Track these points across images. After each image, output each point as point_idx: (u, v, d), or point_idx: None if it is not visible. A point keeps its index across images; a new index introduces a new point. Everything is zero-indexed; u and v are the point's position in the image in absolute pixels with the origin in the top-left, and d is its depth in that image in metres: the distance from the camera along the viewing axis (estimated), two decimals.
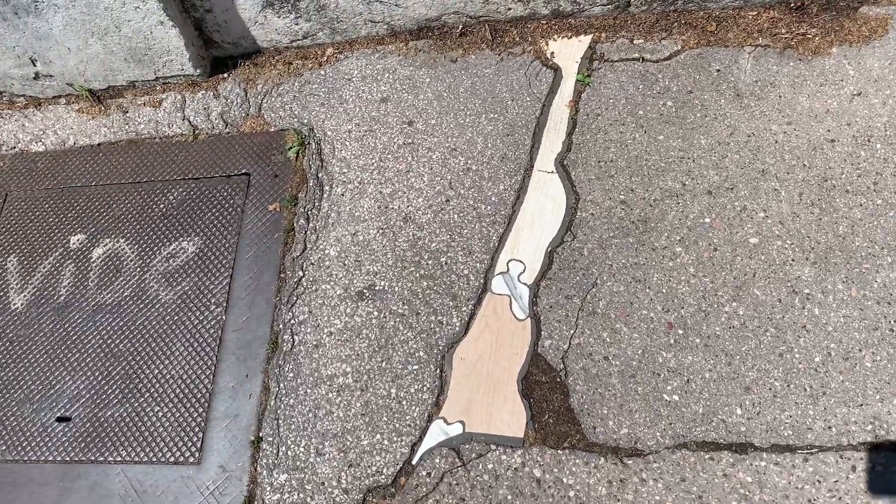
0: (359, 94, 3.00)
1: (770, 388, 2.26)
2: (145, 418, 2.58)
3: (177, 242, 2.89)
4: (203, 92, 3.14)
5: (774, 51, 2.79)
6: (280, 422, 2.46)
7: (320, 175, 2.87)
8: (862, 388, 2.22)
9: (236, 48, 3.13)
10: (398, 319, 2.55)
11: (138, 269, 2.87)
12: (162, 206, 2.99)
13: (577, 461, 2.26)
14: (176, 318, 2.74)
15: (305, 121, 3.00)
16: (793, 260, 2.42)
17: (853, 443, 2.17)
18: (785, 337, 2.32)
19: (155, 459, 2.52)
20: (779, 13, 2.82)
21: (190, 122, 3.10)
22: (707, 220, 2.54)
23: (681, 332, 2.38)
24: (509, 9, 2.90)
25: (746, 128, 2.67)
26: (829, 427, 2.19)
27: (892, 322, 2.29)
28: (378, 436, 2.39)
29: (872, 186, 2.49)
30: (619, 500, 2.18)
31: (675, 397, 2.29)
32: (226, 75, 3.16)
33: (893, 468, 2.12)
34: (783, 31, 2.80)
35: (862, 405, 2.20)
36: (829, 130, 2.61)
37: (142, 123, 3.19)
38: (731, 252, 2.47)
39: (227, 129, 3.06)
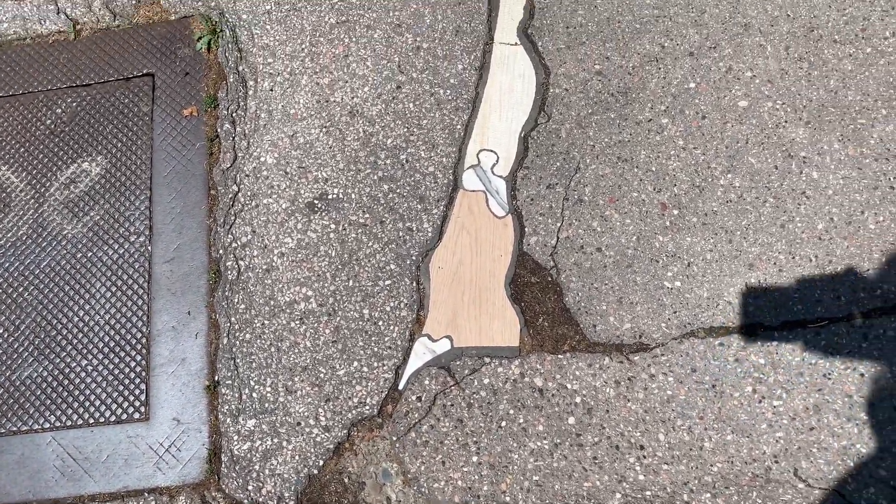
0: None
1: (775, 263, 2.10)
2: (72, 375, 2.19)
3: (75, 165, 2.40)
4: None
5: None
6: (237, 361, 2.13)
7: (241, 68, 2.41)
8: (867, 252, 2.09)
9: None
10: (360, 231, 2.21)
11: (32, 200, 2.38)
12: (48, 122, 2.46)
13: (580, 364, 2.06)
14: (90, 254, 2.30)
15: (213, 3, 2.49)
16: (786, 121, 2.22)
17: (863, 310, 2.05)
18: (785, 206, 2.14)
19: (92, 421, 2.15)
20: None
21: (67, 16, 2.53)
22: (692, 84, 2.28)
23: (676, 212, 2.17)
24: None
25: None
26: (838, 297, 2.06)
27: (891, 179, 2.15)
28: (356, 363, 2.11)
29: (860, 34, 2.29)
30: (629, 400, 2.01)
31: (678, 283, 2.10)
32: None
33: None
34: None
35: (869, 270, 2.08)
36: None
37: (4, 22, 2.59)
38: (720, 119, 2.24)
39: (117, 21, 2.52)
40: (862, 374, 1.99)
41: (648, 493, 1.93)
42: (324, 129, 2.32)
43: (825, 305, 2.06)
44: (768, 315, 2.06)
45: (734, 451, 1.95)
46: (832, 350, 2.02)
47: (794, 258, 2.10)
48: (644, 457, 1.96)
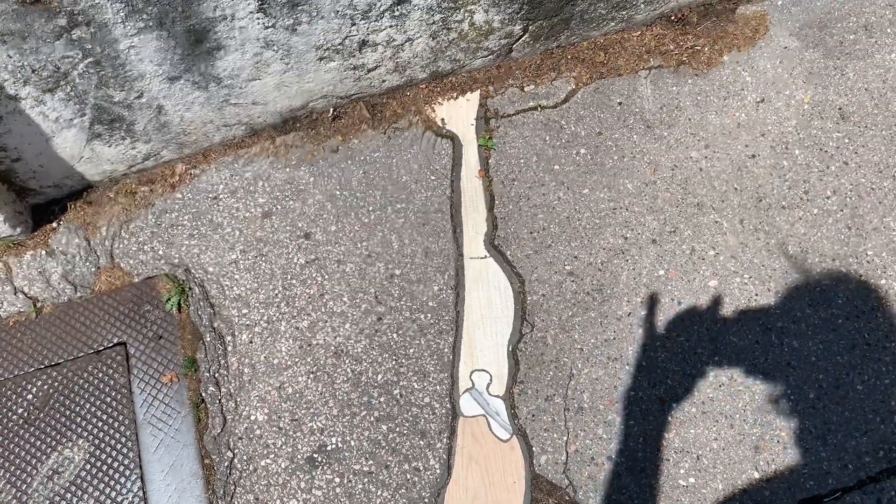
0: (232, 213, 2.51)
1: (778, 441, 2.14)
2: None
3: (56, 453, 2.29)
4: (32, 252, 2.50)
5: (669, 70, 2.64)
6: None
7: (216, 325, 2.38)
8: (861, 414, 2.15)
9: (60, 190, 2.52)
10: (366, 479, 2.16)
11: (15, 501, 2.25)
12: (20, 410, 2.35)
13: None
14: None
15: (176, 260, 2.47)
16: (756, 294, 2.31)
17: (871, 475, 2.10)
18: (775, 381, 2.20)
19: None
20: (662, 29, 2.67)
21: (26, 295, 2.46)
22: (661, 272, 2.36)
23: (675, 404, 2.20)
24: (384, 81, 2.53)
25: (667, 160, 2.51)
26: (846, 465, 2.11)
27: (866, 335, 2.24)
28: None
29: (804, 196, 2.43)
30: None
31: (692, 479, 2.11)
32: (55, 224, 2.53)
33: None
34: (671, 47, 2.65)
35: (867, 433, 2.13)
36: (746, 146, 2.51)
37: None
38: (695, 302, 2.31)
39: (79, 293, 2.46)
40: None
41: None
42: (311, 375, 2.29)
43: (835, 476, 2.10)
44: (784, 497, 2.08)
45: None
46: None
47: (794, 433, 2.14)
48: None
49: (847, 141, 2.50)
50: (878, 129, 2.50)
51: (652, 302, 2.31)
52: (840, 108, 2.55)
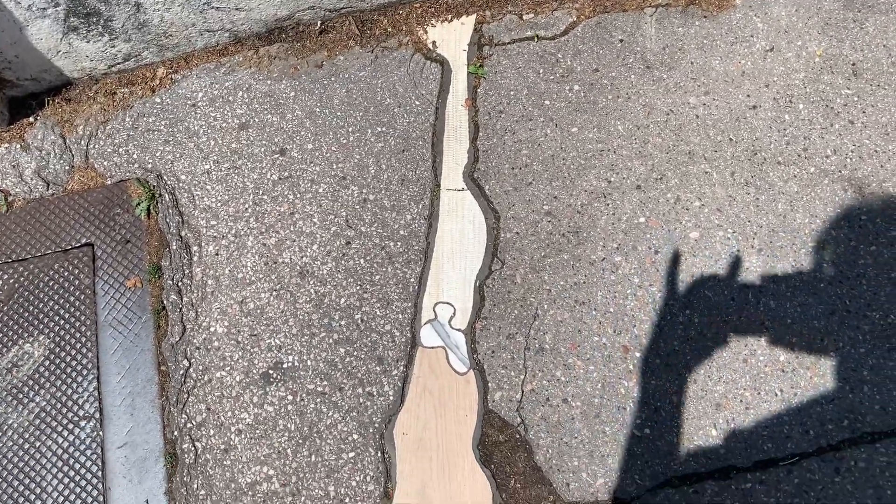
0: (209, 122, 2.45)
1: (741, 400, 2.08)
2: None
3: (17, 347, 2.30)
4: (7, 145, 2.46)
5: (677, 9, 2.50)
6: None
7: (183, 233, 2.34)
8: (830, 381, 2.08)
9: (38, 84, 2.46)
10: (319, 400, 2.15)
11: None
12: None
13: None
14: (37, 444, 2.19)
15: (149, 165, 2.42)
16: (738, 250, 2.22)
17: (833, 443, 2.04)
18: (746, 339, 2.13)
19: None
20: None
21: None
22: (642, 219, 2.27)
23: (638, 354, 2.14)
24: None
25: (663, 104, 2.39)
26: (807, 431, 2.05)
27: (847, 302, 2.16)
28: None
29: (803, 153, 2.31)
30: None
31: (647, 430, 2.07)
32: (32, 119, 2.49)
33: (875, 462, 2.02)
34: None
35: (834, 400, 2.07)
36: (748, 95, 2.39)
37: None
38: (673, 252, 2.23)
39: (51, 190, 2.43)
40: None
41: None
42: (274, 293, 2.26)
43: (795, 441, 2.04)
44: (739, 456, 2.03)
45: None
46: (806, 487, 2.00)
47: (759, 394, 2.08)
48: None
49: (856, 99, 2.36)
50: (890, 89, 2.36)
51: (628, 249, 2.24)
52: (854, 64, 2.41)
